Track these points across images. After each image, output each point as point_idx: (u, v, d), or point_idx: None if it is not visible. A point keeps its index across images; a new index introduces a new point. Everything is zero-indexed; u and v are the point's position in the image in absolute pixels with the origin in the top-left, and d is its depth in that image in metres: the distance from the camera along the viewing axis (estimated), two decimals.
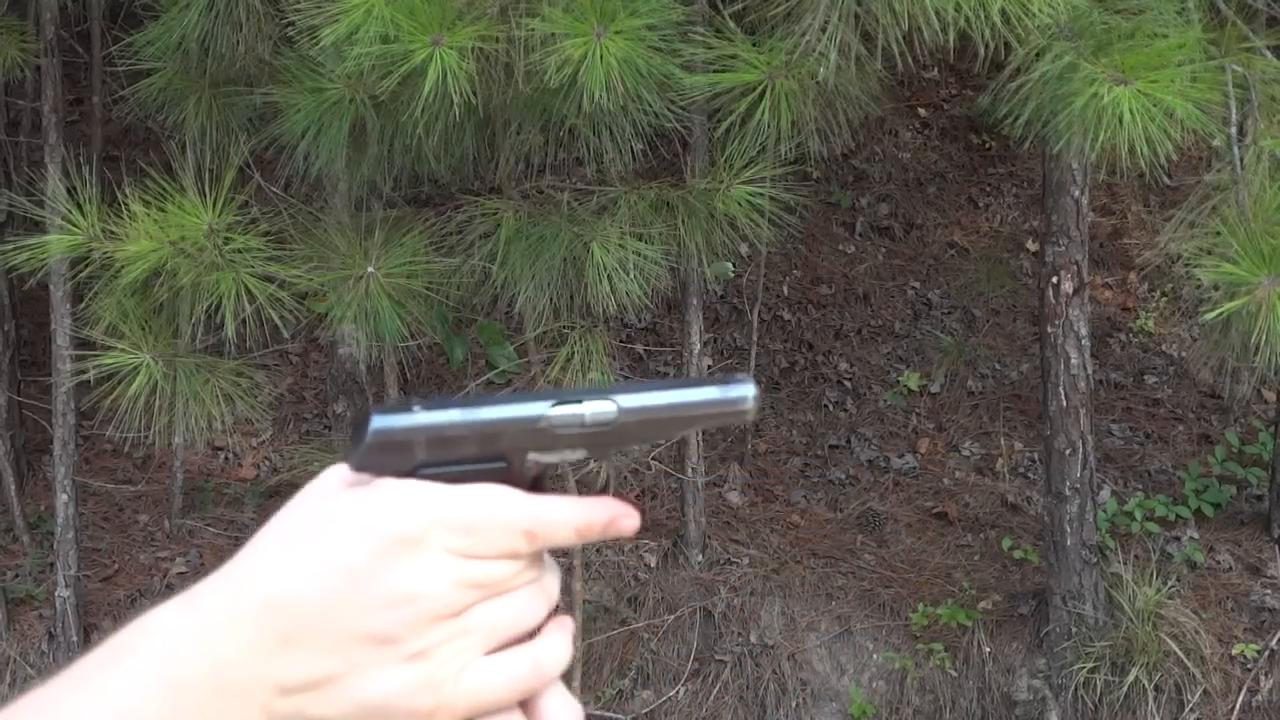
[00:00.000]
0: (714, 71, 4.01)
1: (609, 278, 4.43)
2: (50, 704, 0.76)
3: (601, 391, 0.81)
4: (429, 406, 0.79)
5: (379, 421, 0.78)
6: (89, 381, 4.63)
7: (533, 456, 0.80)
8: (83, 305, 4.89)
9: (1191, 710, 5.73)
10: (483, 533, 0.78)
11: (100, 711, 0.75)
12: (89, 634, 6.13)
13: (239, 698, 0.76)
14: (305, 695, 0.77)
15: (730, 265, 6.71)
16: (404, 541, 0.76)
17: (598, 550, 6.29)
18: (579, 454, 0.81)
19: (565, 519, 0.80)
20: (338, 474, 0.81)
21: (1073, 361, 5.79)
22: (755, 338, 7.06)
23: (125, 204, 4.30)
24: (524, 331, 5.13)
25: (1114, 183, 7.52)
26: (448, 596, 0.77)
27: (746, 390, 0.82)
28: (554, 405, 0.80)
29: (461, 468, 0.79)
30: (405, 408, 0.79)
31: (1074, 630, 5.83)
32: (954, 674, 6.00)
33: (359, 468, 0.79)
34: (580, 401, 0.80)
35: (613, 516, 0.81)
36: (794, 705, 6.04)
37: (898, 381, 7.43)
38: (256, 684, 0.77)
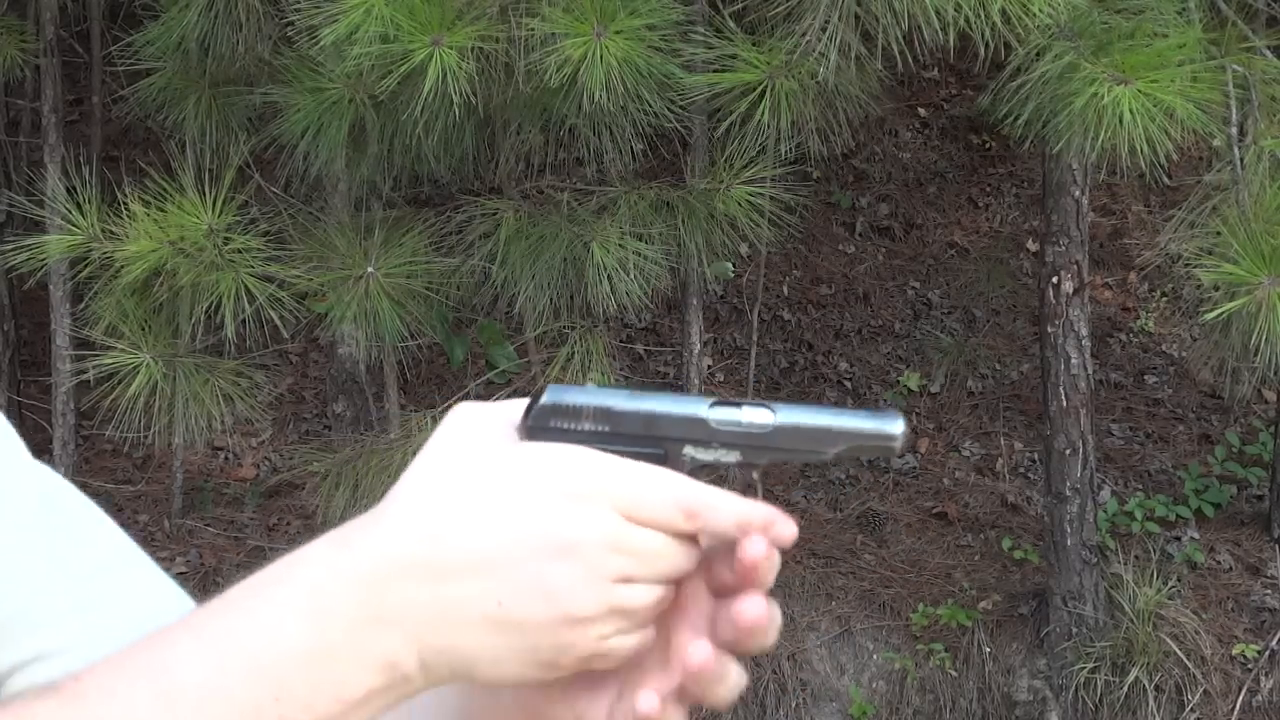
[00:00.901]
0: (714, 71, 4.02)
1: (609, 278, 4.43)
2: (198, 626, 0.79)
3: (762, 401, 0.86)
4: (600, 386, 0.84)
5: (554, 390, 0.84)
6: (89, 381, 4.63)
7: (689, 451, 0.84)
8: (82, 305, 4.89)
9: (1192, 710, 5.73)
10: (647, 501, 0.81)
11: (246, 632, 0.78)
12: None
13: (388, 627, 0.79)
14: (453, 626, 0.79)
15: (730, 265, 6.71)
16: (574, 496, 0.80)
17: None
18: (734, 456, 0.85)
19: (727, 507, 0.82)
20: (490, 422, 0.84)
21: (1073, 361, 5.79)
22: (755, 338, 7.06)
23: (125, 204, 4.30)
24: (524, 331, 5.13)
25: (1114, 183, 7.51)
26: (604, 557, 0.80)
27: (897, 424, 0.86)
28: (714, 404, 0.85)
29: (622, 448, 0.84)
30: (580, 386, 0.87)
31: (1074, 630, 5.83)
32: (954, 674, 6.00)
33: (531, 428, 0.83)
34: (740, 406, 0.85)
35: (773, 519, 0.83)
36: (794, 705, 6.03)
37: (898, 381, 7.43)
38: (407, 613, 0.79)
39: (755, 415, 0.85)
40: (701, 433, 0.85)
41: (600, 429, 0.84)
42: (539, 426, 0.84)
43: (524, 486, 0.80)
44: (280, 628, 0.78)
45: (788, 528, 0.83)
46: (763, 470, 0.87)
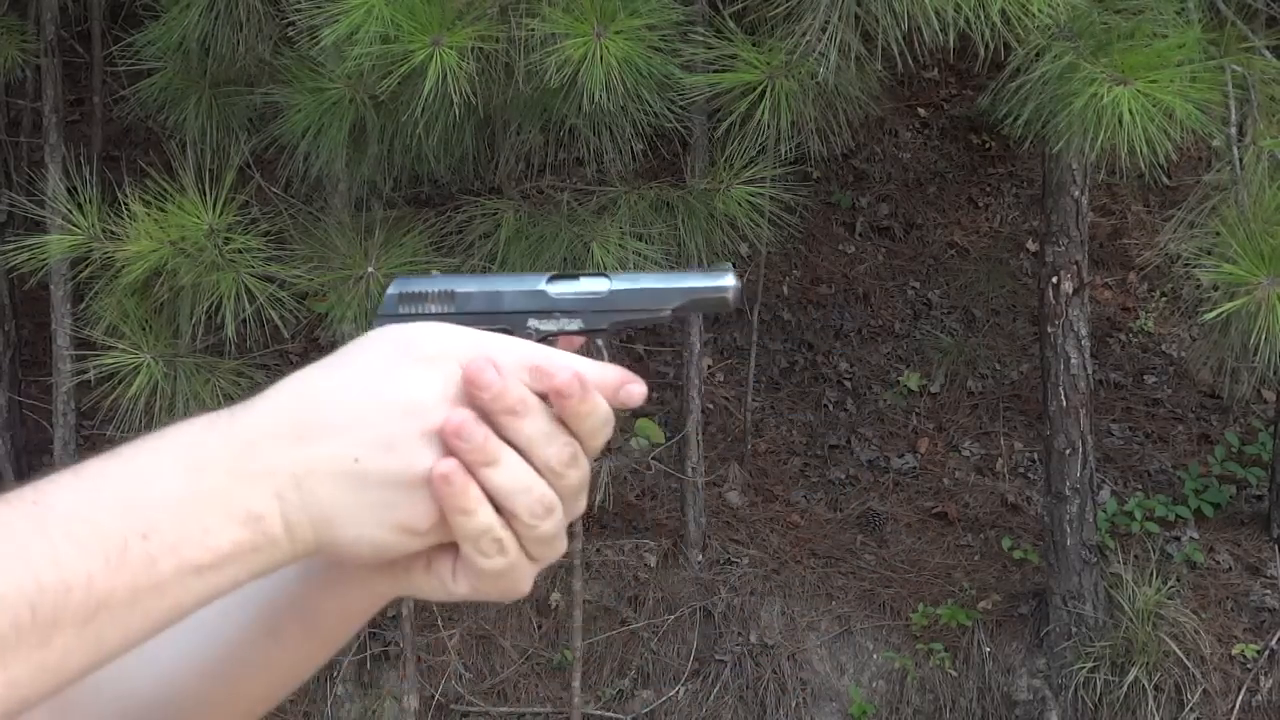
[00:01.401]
0: (714, 71, 4.02)
1: None
2: (79, 468, 0.83)
3: (599, 271, 0.92)
4: (445, 273, 0.92)
5: (400, 281, 0.92)
6: (89, 381, 4.63)
7: (533, 323, 0.91)
8: (83, 305, 4.89)
9: (1191, 710, 5.73)
10: (493, 357, 0.85)
11: (121, 475, 0.82)
12: None
13: (255, 481, 0.83)
14: (314, 482, 0.83)
15: (731, 265, 6.71)
16: (423, 359, 0.85)
17: (598, 550, 6.29)
18: (576, 324, 0.91)
19: (571, 363, 0.86)
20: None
21: (1072, 361, 5.79)
22: (755, 338, 7.06)
23: (125, 204, 4.30)
24: None
25: (1114, 183, 7.52)
26: (446, 413, 0.84)
27: (728, 278, 0.92)
28: (553, 278, 0.91)
29: (470, 326, 0.89)
30: (424, 274, 0.92)
31: (1074, 630, 5.84)
32: (954, 674, 6.00)
33: (381, 317, 0.90)
34: (578, 278, 0.91)
35: (624, 378, 0.87)
36: (794, 705, 6.04)
37: (898, 381, 7.43)
38: (273, 469, 0.83)
39: (592, 285, 0.91)
40: (542, 303, 0.91)
41: (446, 310, 0.90)
42: (388, 315, 0.90)
43: (377, 355, 0.85)
44: (155, 473, 0.82)
45: (638, 388, 0.87)
46: (609, 337, 0.91)
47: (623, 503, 6.40)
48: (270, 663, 0.99)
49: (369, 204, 5.07)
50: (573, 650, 5.65)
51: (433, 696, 6.03)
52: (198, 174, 4.32)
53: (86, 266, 4.39)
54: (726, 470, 6.88)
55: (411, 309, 0.91)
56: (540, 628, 6.22)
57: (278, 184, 5.06)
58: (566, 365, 0.85)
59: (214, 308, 4.31)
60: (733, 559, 6.37)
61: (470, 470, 0.84)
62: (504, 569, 0.87)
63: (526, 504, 0.85)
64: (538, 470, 0.85)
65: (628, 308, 0.91)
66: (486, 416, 0.84)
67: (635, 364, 7.85)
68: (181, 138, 5.01)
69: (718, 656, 6.14)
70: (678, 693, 6.10)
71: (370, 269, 4.33)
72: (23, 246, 4.44)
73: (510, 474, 0.85)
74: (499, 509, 0.85)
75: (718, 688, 6.08)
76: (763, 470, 7.02)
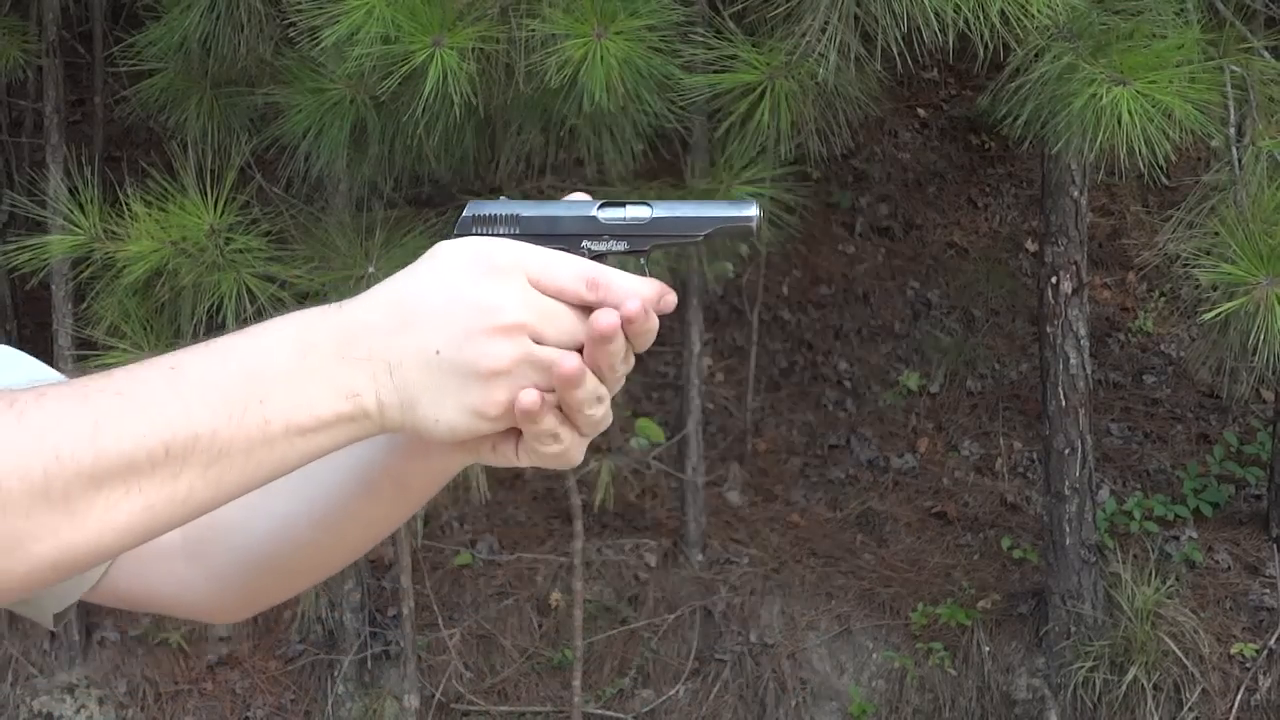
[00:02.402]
0: (714, 72, 4.02)
1: None
2: (211, 341, 1.01)
3: (644, 200, 1.06)
4: (511, 199, 1.06)
5: (474, 205, 1.06)
6: None
7: (585, 244, 1.04)
8: (84, 305, 4.89)
9: (1190, 709, 5.74)
10: (555, 273, 1.00)
11: (245, 349, 1.00)
12: (90, 633, 6.14)
13: (356, 365, 0.99)
14: (404, 369, 0.99)
15: (730, 265, 6.72)
16: (497, 269, 1.00)
17: (598, 550, 6.30)
18: (622, 245, 1.05)
19: (623, 277, 1.02)
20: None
21: (1072, 361, 5.80)
22: (755, 338, 7.07)
23: (127, 204, 4.30)
24: None
25: (1113, 183, 7.52)
26: (519, 315, 0.99)
27: (752, 209, 1.07)
28: (603, 205, 1.05)
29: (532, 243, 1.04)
30: (494, 199, 1.06)
31: (1073, 629, 5.84)
32: (953, 673, 6.01)
33: (457, 234, 1.05)
34: (624, 205, 1.05)
35: (662, 290, 1.03)
36: (794, 704, 6.04)
37: (897, 381, 7.44)
38: (371, 356, 0.99)
39: (636, 211, 1.05)
40: (594, 227, 1.05)
41: (513, 231, 1.04)
42: (463, 233, 1.05)
43: (458, 264, 1.01)
44: (273, 350, 0.99)
45: (673, 297, 1.03)
46: (648, 255, 1.06)
47: (623, 502, 6.41)
48: (368, 515, 1.18)
49: (370, 204, 5.08)
50: (573, 650, 5.66)
51: (433, 696, 6.03)
52: (199, 174, 4.33)
53: (88, 266, 4.40)
54: (726, 470, 6.89)
55: (482, 230, 1.05)
56: (540, 627, 6.23)
57: (279, 184, 5.07)
58: (617, 283, 1.01)
59: (215, 308, 4.32)
60: (733, 559, 6.38)
61: (560, 388, 1.00)
62: (561, 452, 1.03)
63: (591, 407, 1.02)
64: (604, 380, 1.02)
65: (667, 232, 1.05)
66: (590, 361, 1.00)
67: (635, 363, 7.85)
68: (182, 138, 5.02)
69: (718, 656, 6.15)
70: (678, 692, 6.11)
71: (371, 269, 4.34)
72: (24, 246, 4.44)
73: (587, 390, 1.01)
74: (563, 408, 1.01)
75: (718, 687, 6.09)
76: (763, 470, 7.02)
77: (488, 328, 0.99)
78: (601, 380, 1.02)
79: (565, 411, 1.02)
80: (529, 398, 1.00)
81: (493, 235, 1.04)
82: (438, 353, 0.99)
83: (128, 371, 0.98)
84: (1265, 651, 5.86)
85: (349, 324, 1.00)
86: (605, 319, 1.00)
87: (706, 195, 4.58)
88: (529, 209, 1.05)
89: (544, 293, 1.01)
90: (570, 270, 1.01)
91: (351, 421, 1.00)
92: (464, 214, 1.05)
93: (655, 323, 1.03)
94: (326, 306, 1.02)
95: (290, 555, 1.22)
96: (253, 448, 0.97)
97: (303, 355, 0.99)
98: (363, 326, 1.00)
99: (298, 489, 1.14)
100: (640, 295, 1.01)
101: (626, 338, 1.02)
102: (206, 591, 1.26)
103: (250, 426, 0.97)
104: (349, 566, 6.02)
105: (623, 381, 1.04)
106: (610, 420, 1.05)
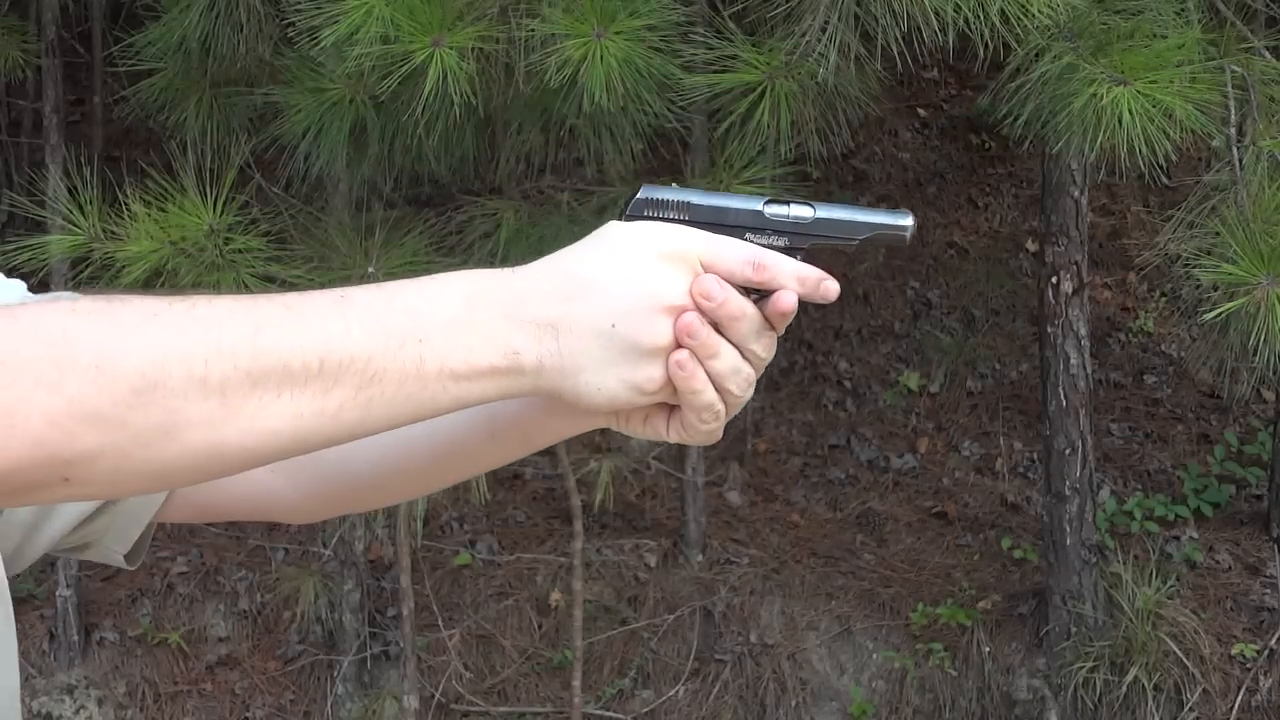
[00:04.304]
0: (714, 72, 4.02)
1: None
2: (382, 284, 1.04)
3: (807, 200, 1.10)
4: (683, 186, 1.10)
5: (648, 189, 1.10)
6: None
7: (749, 236, 1.09)
8: None
9: (1191, 710, 5.74)
10: (725, 257, 1.06)
11: (413, 292, 1.03)
12: (90, 633, 6.14)
13: (522, 326, 1.03)
14: (573, 335, 1.03)
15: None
16: (668, 254, 1.06)
17: (598, 550, 6.29)
18: (782, 241, 1.09)
19: (787, 261, 1.08)
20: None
21: (1072, 361, 5.80)
22: None
23: (126, 204, 4.30)
24: None
25: (1113, 183, 7.52)
26: (686, 300, 1.05)
27: (908, 218, 1.10)
28: (769, 201, 1.10)
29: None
30: (667, 185, 1.11)
31: (1073, 630, 5.84)
32: (954, 673, 6.01)
33: (629, 216, 1.09)
34: (789, 204, 1.10)
35: (823, 276, 1.09)
36: (794, 705, 6.04)
37: (897, 381, 7.44)
38: (539, 319, 1.03)
39: (800, 211, 1.10)
40: (759, 221, 1.09)
41: (683, 218, 1.09)
42: (635, 215, 1.09)
43: (633, 245, 1.06)
44: (439, 297, 1.03)
45: (834, 285, 1.09)
46: (806, 254, 1.10)
47: (623, 502, 6.41)
48: (484, 457, 1.25)
49: (369, 204, 5.08)
50: (573, 650, 5.66)
51: (433, 696, 6.03)
52: (198, 174, 4.32)
53: (87, 267, 4.39)
54: (726, 470, 6.88)
55: (654, 213, 1.09)
56: (540, 628, 6.22)
57: (278, 184, 5.06)
58: (782, 268, 1.07)
59: None
60: (733, 559, 6.38)
61: (697, 359, 1.05)
62: (716, 429, 1.10)
63: (737, 382, 1.07)
64: (744, 356, 1.07)
65: (825, 233, 1.10)
66: (712, 320, 1.05)
67: None
68: (182, 138, 5.01)
69: (718, 656, 6.15)
70: (678, 692, 6.10)
71: (371, 269, 4.34)
72: (23, 246, 4.44)
73: (726, 362, 1.06)
74: (714, 385, 1.07)
75: (718, 687, 6.09)
76: (763, 470, 7.02)
77: (660, 307, 1.04)
78: (747, 359, 1.08)
79: (718, 390, 1.07)
80: (680, 354, 1.05)
81: (663, 219, 1.09)
82: (613, 326, 1.03)
83: (300, 294, 1.02)
84: (1266, 652, 5.86)
85: (519, 287, 1.04)
86: (787, 299, 1.07)
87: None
88: (700, 198, 1.09)
89: (713, 272, 1.06)
90: (739, 254, 1.07)
91: (506, 376, 1.03)
92: (637, 196, 1.10)
93: (795, 309, 1.08)
94: (498, 270, 1.06)
95: (389, 477, 1.27)
96: (405, 380, 1.01)
97: (469, 308, 1.03)
98: (533, 292, 1.04)
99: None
100: (803, 279, 1.08)
101: (767, 319, 1.08)
102: (291, 498, 1.29)
103: (406, 360, 1.01)
104: (349, 568, 6.02)
105: (763, 368, 1.10)
106: (747, 399, 1.11)
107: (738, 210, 1.09)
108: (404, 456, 1.24)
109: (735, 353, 1.07)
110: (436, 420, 1.09)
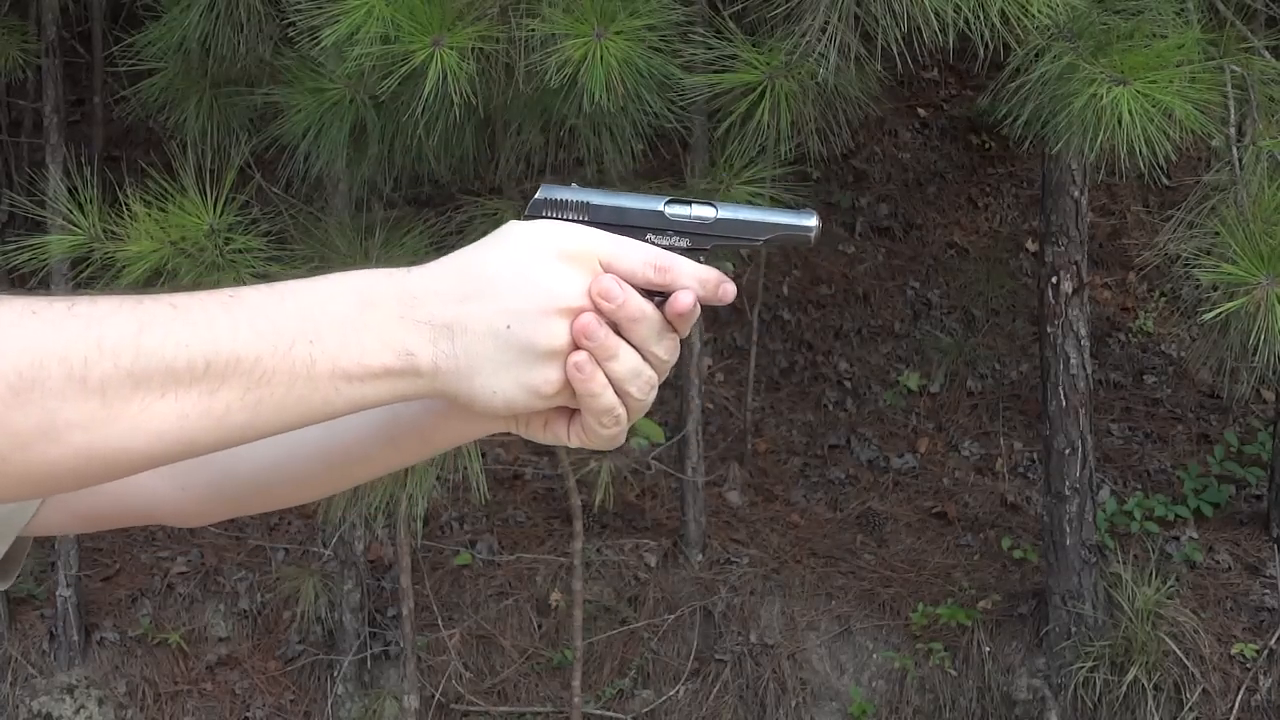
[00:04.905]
0: (714, 72, 4.02)
1: None
2: (274, 283, 1.02)
3: (709, 200, 1.09)
4: (584, 186, 1.08)
5: (546, 189, 1.08)
6: None
7: (650, 237, 1.07)
8: None
9: (1190, 709, 5.74)
10: (625, 258, 1.04)
11: (306, 293, 1.01)
12: (90, 633, 6.14)
13: (416, 326, 1.00)
14: (468, 336, 1.01)
15: (730, 265, 6.72)
16: (568, 255, 1.03)
17: (598, 550, 6.29)
18: (684, 242, 1.07)
19: (688, 263, 1.06)
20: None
21: (1072, 361, 5.80)
22: (755, 338, 7.07)
23: (126, 204, 4.30)
24: None
25: (1113, 183, 7.52)
26: (584, 301, 1.02)
27: (812, 219, 1.08)
28: (669, 201, 1.08)
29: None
30: (566, 185, 1.09)
31: (1073, 630, 5.84)
32: (954, 673, 6.01)
33: (527, 216, 1.07)
34: (690, 204, 1.08)
35: (722, 278, 1.06)
36: (794, 705, 6.04)
37: (897, 381, 7.44)
38: (433, 319, 1.01)
39: (701, 211, 1.07)
40: (660, 222, 1.07)
41: (583, 218, 1.07)
42: (534, 215, 1.07)
43: (531, 245, 1.03)
44: (332, 297, 1.01)
45: (730, 288, 1.06)
46: (709, 256, 1.08)
47: (623, 503, 6.41)
48: (383, 461, 1.21)
49: (369, 204, 5.08)
50: (573, 650, 5.66)
51: (433, 696, 6.03)
52: (198, 174, 4.33)
53: (87, 267, 4.39)
54: (726, 470, 6.88)
55: (554, 214, 1.07)
56: (540, 628, 6.23)
57: (278, 184, 5.06)
58: (682, 269, 1.05)
59: None
60: (733, 559, 6.38)
61: (595, 361, 1.02)
62: (617, 433, 1.07)
63: (638, 385, 1.05)
64: (645, 359, 1.05)
65: (728, 234, 1.08)
66: (611, 321, 1.03)
67: None
68: (182, 138, 5.02)
69: (718, 656, 6.15)
70: (678, 692, 6.11)
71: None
72: (24, 246, 4.44)
73: (625, 364, 1.04)
74: (615, 388, 1.04)
75: (718, 687, 6.09)
76: (763, 470, 7.02)
77: (556, 308, 1.02)
78: (648, 361, 1.06)
79: (619, 394, 1.05)
80: (579, 356, 1.03)
81: (563, 220, 1.07)
82: (508, 327, 1.01)
83: (189, 294, 0.99)
84: (1266, 652, 5.86)
85: (414, 287, 1.02)
86: (685, 299, 1.04)
87: (707, 196, 4.58)
88: (600, 198, 1.08)
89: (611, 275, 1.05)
90: (639, 255, 1.04)
91: (400, 378, 1.01)
92: (536, 196, 1.08)
93: (698, 311, 1.06)
94: (393, 269, 1.03)
95: (278, 482, 1.23)
96: (295, 381, 0.98)
97: (362, 308, 1.00)
98: (429, 292, 1.01)
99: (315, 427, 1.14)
100: (703, 280, 1.05)
101: (668, 320, 1.06)
102: (178, 501, 1.25)
103: (295, 361, 0.98)
104: (349, 567, 6.02)
105: (667, 371, 1.08)
106: (650, 403, 1.09)
107: (639, 210, 1.08)
108: (292, 459, 1.20)
109: (636, 355, 1.05)
110: (334, 423, 1.07)
